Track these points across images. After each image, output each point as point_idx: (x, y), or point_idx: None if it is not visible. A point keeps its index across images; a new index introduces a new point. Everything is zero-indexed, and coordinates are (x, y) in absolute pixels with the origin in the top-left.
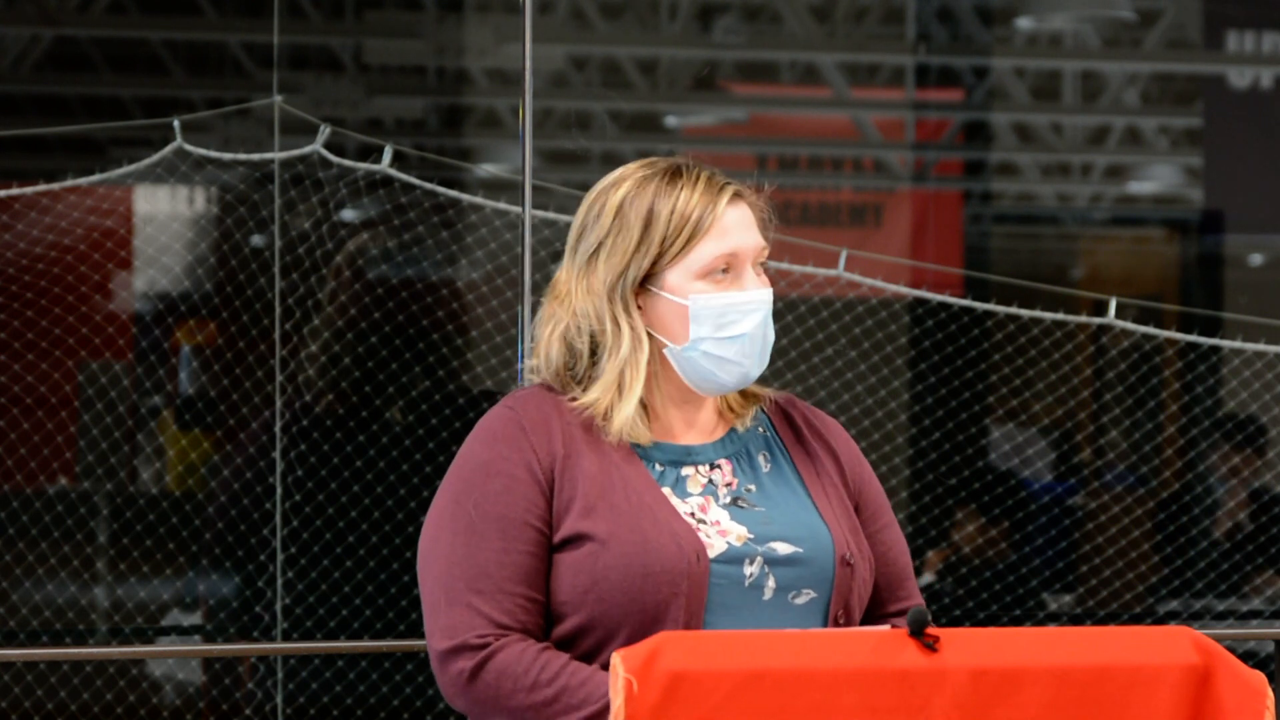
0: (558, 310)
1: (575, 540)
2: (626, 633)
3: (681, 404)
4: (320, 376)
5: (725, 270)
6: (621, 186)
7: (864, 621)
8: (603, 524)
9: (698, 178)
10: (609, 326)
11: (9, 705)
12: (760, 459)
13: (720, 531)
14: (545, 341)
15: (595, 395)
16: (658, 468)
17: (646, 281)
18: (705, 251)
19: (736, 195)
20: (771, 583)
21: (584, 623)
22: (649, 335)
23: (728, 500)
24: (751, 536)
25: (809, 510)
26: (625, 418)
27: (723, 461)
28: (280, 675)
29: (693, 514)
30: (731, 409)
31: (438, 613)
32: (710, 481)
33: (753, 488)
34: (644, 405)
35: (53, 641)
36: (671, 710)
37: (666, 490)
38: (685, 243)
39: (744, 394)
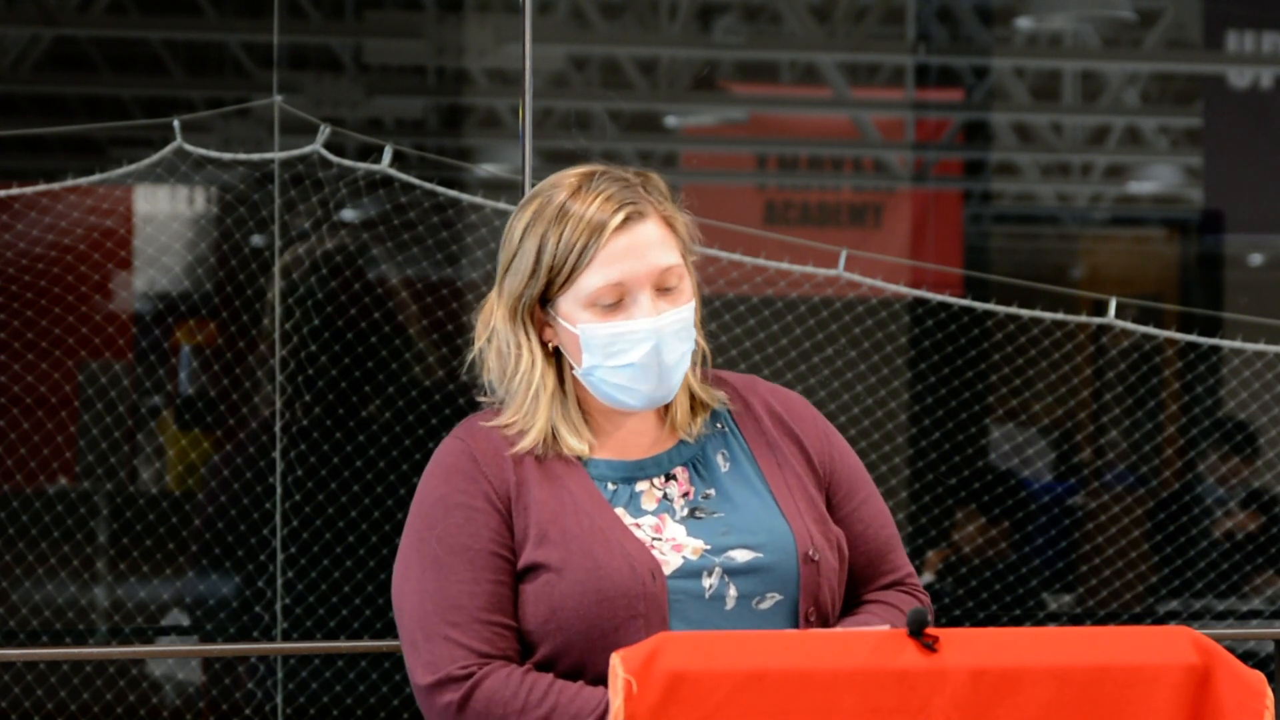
0: (482, 330)
1: (533, 570)
2: (594, 658)
3: (615, 412)
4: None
5: (617, 300)
6: (526, 211)
7: (851, 599)
8: (556, 552)
9: (593, 199)
10: (512, 349)
11: (9, 705)
12: (718, 459)
13: (675, 547)
14: (486, 359)
15: (509, 414)
16: (610, 486)
17: (546, 305)
18: (589, 283)
19: (631, 218)
20: (733, 591)
21: (553, 651)
22: (561, 354)
23: (684, 513)
24: (708, 548)
25: (770, 510)
26: (537, 435)
27: (677, 470)
28: (280, 675)
29: (648, 534)
30: (675, 422)
31: (417, 649)
32: (665, 496)
33: (711, 493)
34: (585, 418)
35: (53, 641)
36: (671, 711)
37: (620, 510)
38: (569, 274)
39: (691, 400)
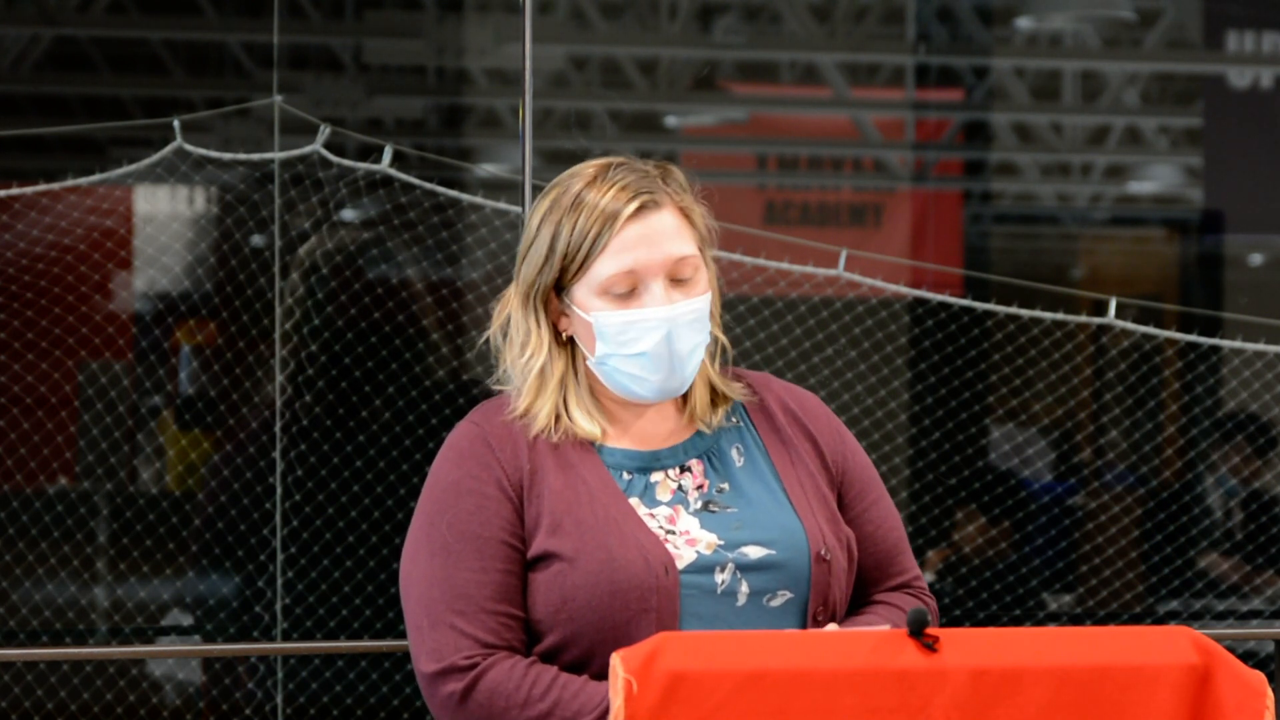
0: (497, 319)
1: (544, 559)
2: (603, 649)
3: (635, 403)
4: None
5: (630, 289)
6: (546, 199)
7: (858, 600)
8: (569, 542)
9: (609, 188)
10: (522, 336)
11: (9, 705)
12: (733, 453)
13: (689, 541)
14: (504, 348)
15: (524, 401)
16: (625, 476)
17: (561, 293)
18: (601, 271)
19: (645, 207)
20: (744, 588)
21: (561, 640)
22: (575, 343)
23: (698, 505)
24: (721, 543)
25: (783, 507)
26: (543, 423)
27: (693, 462)
28: (280, 675)
29: (661, 525)
30: (696, 412)
31: (422, 636)
32: (680, 487)
33: (725, 487)
34: (601, 406)
35: (53, 641)
36: (671, 710)
37: (635, 500)
38: (583, 261)
39: (712, 392)
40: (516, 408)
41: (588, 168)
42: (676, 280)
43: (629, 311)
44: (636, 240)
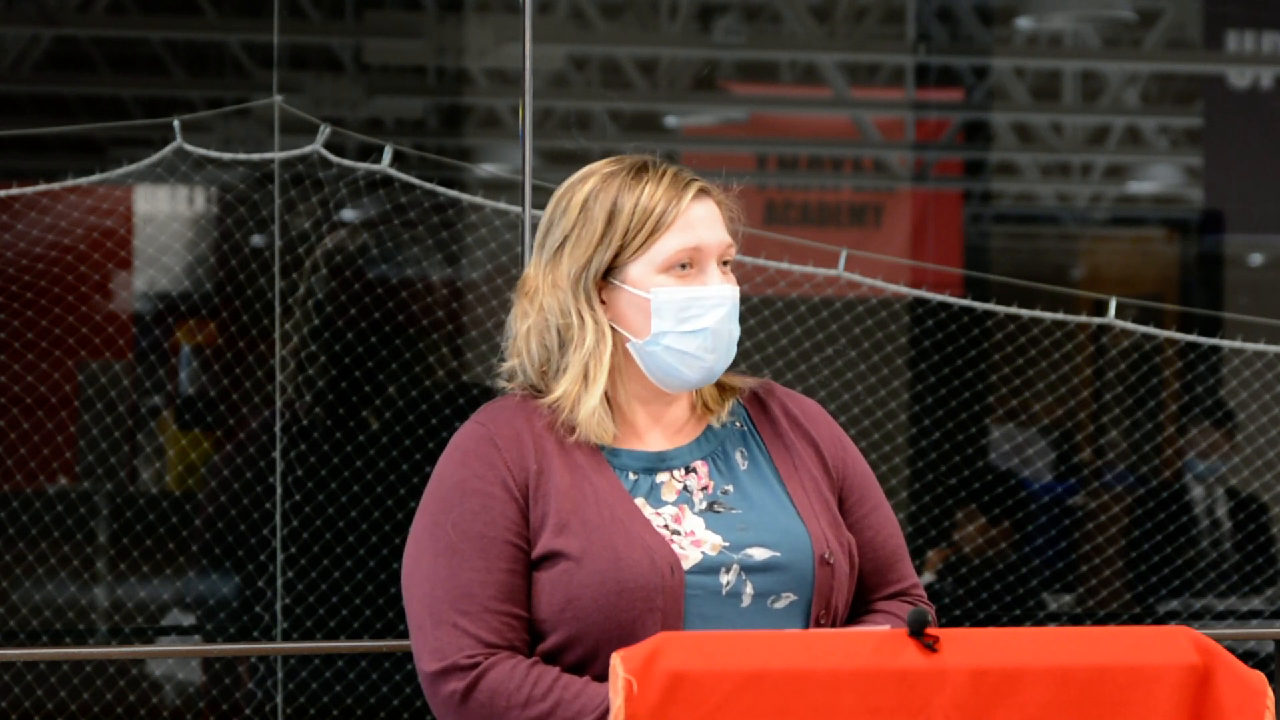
0: (528, 307)
1: (550, 558)
2: (608, 648)
3: (649, 401)
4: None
5: (688, 265)
6: (588, 182)
7: (857, 607)
8: (575, 541)
9: (663, 174)
10: (574, 320)
11: (9, 705)
12: (737, 456)
13: (695, 541)
14: (523, 339)
15: (562, 389)
16: (631, 476)
17: (610, 275)
18: (667, 245)
19: (702, 191)
20: (749, 589)
21: (564, 640)
22: (613, 329)
23: (703, 506)
24: (727, 544)
25: (787, 510)
26: (590, 410)
27: (698, 463)
28: (280, 675)
29: (666, 525)
30: (707, 405)
31: (424, 635)
32: (685, 488)
33: (730, 489)
34: (610, 404)
35: (53, 641)
36: (671, 710)
37: (640, 500)
38: (648, 236)
39: (719, 387)
40: (553, 399)
41: (624, 158)
42: (722, 265)
43: (694, 288)
44: (699, 220)
